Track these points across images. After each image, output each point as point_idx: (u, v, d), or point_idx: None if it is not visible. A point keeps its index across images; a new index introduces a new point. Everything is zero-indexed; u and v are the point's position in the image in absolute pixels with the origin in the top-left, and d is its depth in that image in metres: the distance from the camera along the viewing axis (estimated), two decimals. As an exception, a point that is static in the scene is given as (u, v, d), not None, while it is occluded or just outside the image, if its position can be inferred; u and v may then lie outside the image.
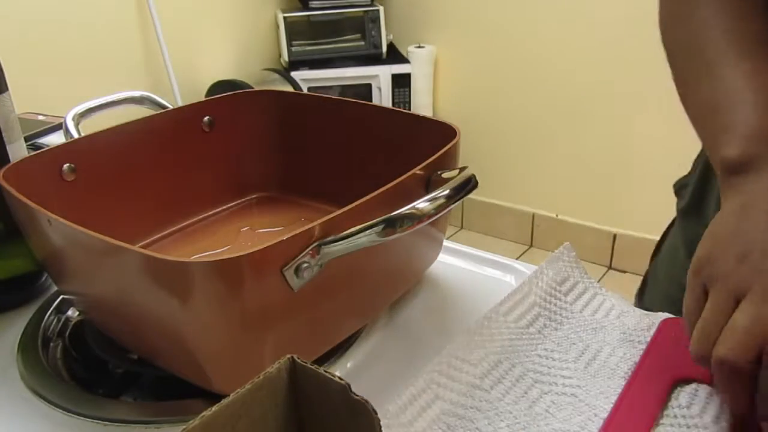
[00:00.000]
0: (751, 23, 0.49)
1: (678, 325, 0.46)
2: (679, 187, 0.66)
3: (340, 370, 0.45)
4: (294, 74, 2.08)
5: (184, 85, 1.93)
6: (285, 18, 2.11)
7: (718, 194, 0.58)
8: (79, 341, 0.49)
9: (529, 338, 0.45)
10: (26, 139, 0.55)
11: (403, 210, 0.38)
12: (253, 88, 1.69)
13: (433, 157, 0.45)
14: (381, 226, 0.37)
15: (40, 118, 0.94)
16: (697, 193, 0.63)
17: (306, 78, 2.09)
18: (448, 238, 0.55)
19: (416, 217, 0.38)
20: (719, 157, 0.45)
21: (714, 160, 0.47)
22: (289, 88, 2.02)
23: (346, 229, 0.38)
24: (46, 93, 1.49)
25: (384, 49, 2.17)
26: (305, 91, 2.04)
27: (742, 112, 0.46)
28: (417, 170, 0.44)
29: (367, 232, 0.37)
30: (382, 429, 0.28)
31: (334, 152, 0.60)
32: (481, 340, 0.44)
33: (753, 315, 0.37)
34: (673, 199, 0.66)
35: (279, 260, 0.36)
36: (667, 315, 0.47)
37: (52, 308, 0.51)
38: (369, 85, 2.13)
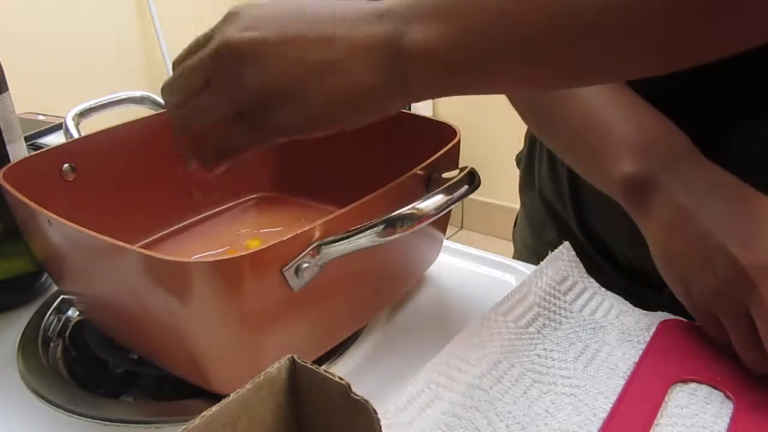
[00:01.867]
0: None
1: (677, 326, 0.46)
2: (517, 162, 0.71)
3: (340, 370, 0.45)
4: (294, 74, 2.07)
5: (184, 85, 1.92)
6: (285, 18, 2.11)
7: (546, 165, 0.63)
8: (79, 341, 0.49)
9: (528, 338, 0.45)
10: (26, 139, 0.55)
11: (404, 210, 0.38)
12: (253, 88, 1.69)
13: (433, 157, 0.45)
14: (381, 227, 0.37)
15: (40, 118, 0.94)
16: (528, 166, 0.68)
17: (306, 78, 2.09)
18: (448, 238, 0.55)
19: (416, 217, 0.38)
20: (618, 175, 0.46)
21: (607, 180, 0.48)
22: (289, 88, 2.01)
23: (347, 230, 0.38)
24: (46, 93, 1.49)
25: (384, 49, 2.17)
26: (305, 91, 2.03)
27: (625, 129, 0.47)
28: (417, 170, 0.44)
29: (368, 232, 0.37)
30: (382, 429, 0.28)
31: (334, 152, 0.60)
32: (480, 340, 0.44)
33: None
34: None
35: (279, 260, 0.36)
36: (667, 315, 0.47)
37: (52, 308, 0.51)
38: (369, 85, 2.13)
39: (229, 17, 0.39)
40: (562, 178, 0.61)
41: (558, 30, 0.34)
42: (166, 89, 0.43)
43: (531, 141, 0.67)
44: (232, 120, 0.39)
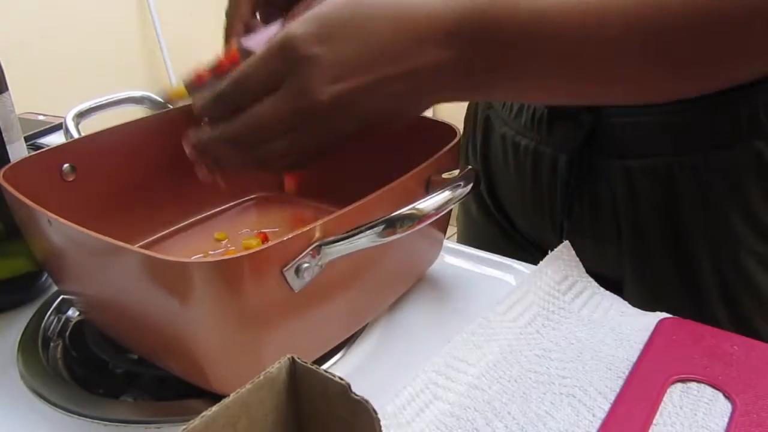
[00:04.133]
0: None
1: (676, 325, 0.46)
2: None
3: (340, 370, 0.45)
4: (294, 74, 2.07)
5: (183, 85, 1.92)
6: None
7: (469, 143, 0.70)
8: (79, 341, 0.49)
9: (527, 338, 0.45)
10: (26, 139, 0.55)
11: (404, 210, 0.38)
12: (252, 87, 1.69)
13: (433, 158, 0.45)
14: (381, 227, 0.37)
15: (40, 118, 0.94)
16: (464, 149, 0.71)
17: (306, 78, 2.09)
18: (448, 238, 0.55)
19: (416, 218, 0.38)
20: None
21: None
22: (289, 88, 2.01)
23: (347, 230, 0.38)
24: (46, 93, 1.49)
25: (384, 49, 2.17)
26: (305, 90, 2.03)
27: None
28: (417, 170, 0.44)
29: (368, 232, 0.37)
30: (382, 429, 0.28)
31: (334, 152, 0.60)
32: (479, 340, 0.44)
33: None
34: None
35: (279, 260, 0.36)
36: (665, 315, 0.47)
37: (52, 308, 0.51)
38: (369, 85, 2.13)
39: (305, 64, 0.38)
40: (478, 154, 0.67)
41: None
42: (216, 115, 0.43)
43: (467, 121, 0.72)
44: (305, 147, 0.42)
